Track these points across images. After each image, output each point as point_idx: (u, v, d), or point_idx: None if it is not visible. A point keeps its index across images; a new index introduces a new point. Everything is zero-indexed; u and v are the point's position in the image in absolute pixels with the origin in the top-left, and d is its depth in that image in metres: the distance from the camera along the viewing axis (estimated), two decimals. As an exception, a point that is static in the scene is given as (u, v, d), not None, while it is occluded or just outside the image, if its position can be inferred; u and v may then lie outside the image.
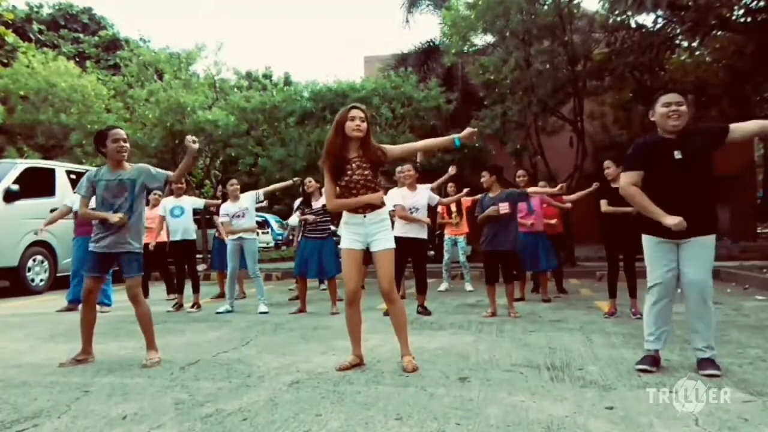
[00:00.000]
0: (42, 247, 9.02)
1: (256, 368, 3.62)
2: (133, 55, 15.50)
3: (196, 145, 3.83)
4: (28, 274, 8.81)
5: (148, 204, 7.37)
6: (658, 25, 10.62)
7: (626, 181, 3.40)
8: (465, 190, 6.64)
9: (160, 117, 13.49)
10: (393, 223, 5.39)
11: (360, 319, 3.66)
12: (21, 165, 9.35)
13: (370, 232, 3.52)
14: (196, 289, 6.88)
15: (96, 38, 25.21)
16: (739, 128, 3.21)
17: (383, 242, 3.52)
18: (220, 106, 14.41)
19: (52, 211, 9.11)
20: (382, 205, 3.56)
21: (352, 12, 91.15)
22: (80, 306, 4.03)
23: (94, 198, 3.95)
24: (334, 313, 6.03)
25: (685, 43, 11.55)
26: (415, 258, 6.08)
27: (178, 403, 2.89)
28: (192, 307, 6.72)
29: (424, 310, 5.90)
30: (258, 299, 6.56)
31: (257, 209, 7.33)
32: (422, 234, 6.06)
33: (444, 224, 8.40)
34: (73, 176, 9.68)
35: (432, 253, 10.97)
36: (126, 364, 3.83)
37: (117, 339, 4.84)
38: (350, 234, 3.56)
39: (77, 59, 20.68)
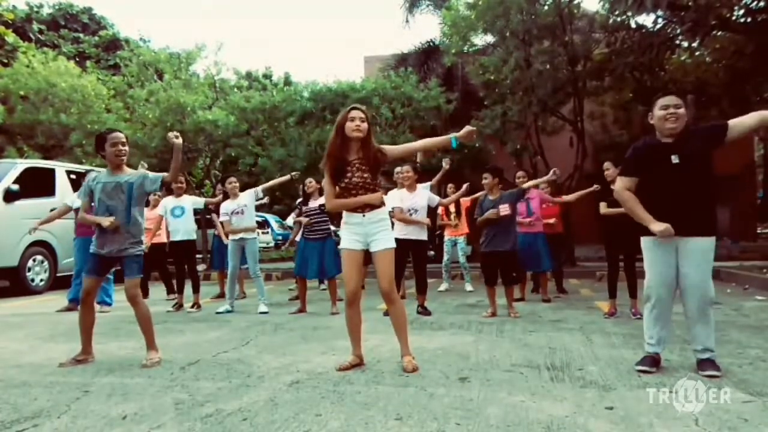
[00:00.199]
0: (42, 247, 9.02)
1: (256, 368, 3.62)
2: (133, 55, 15.50)
3: (179, 140, 3.83)
4: (28, 274, 8.81)
5: (148, 204, 7.38)
6: (658, 26, 10.63)
7: (620, 185, 3.46)
8: (465, 185, 6.57)
9: (160, 117, 13.49)
10: (393, 224, 5.39)
11: (360, 319, 3.66)
12: (21, 165, 9.35)
13: (370, 231, 3.52)
14: (196, 289, 6.88)
15: (96, 38, 25.20)
16: (739, 124, 3.18)
17: (383, 242, 3.52)
18: (220, 106, 14.41)
19: (52, 211, 9.17)
20: (381, 204, 3.56)
21: (352, 12, 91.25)
22: (79, 306, 4.03)
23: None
24: (334, 313, 6.03)
25: (685, 44, 11.55)
26: (415, 258, 6.08)
27: (178, 403, 2.89)
28: (192, 307, 6.72)
29: (424, 311, 5.90)
30: (258, 299, 6.56)
31: (257, 208, 7.32)
32: (422, 235, 6.05)
33: (444, 225, 8.40)
34: (73, 176, 9.66)
35: (432, 253, 10.97)
36: (126, 364, 3.83)
37: (117, 339, 4.84)
38: (350, 234, 3.56)
39: (77, 59, 20.68)
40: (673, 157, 3.24)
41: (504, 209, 5.58)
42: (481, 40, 13.33)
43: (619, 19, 10.61)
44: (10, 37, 15.99)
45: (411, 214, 5.97)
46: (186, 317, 6.23)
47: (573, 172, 11.53)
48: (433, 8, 16.06)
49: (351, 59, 78.97)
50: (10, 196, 8.64)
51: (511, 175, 6.93)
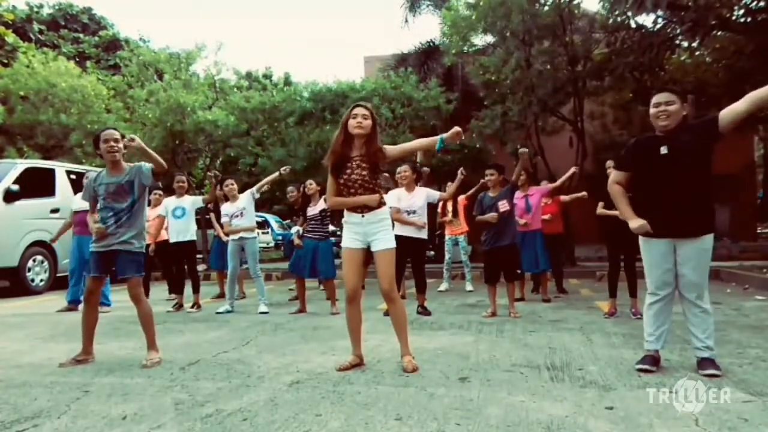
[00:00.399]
0: (42, 247, 9.02)
1: (256, 368, 3.62)
2: (133, 55, 15.51)
3: (135, 142, 3.75)
4: (28, 274, 8.81)
5: (149, 204, 7.38)
6: (658, 26, 10.62)
7: (611, 179, 3.53)
8: (459, 172, 5.95)
9: (160, 117, 13.50)
10: (393, 224, 5.38)
11: (360, 318, 3.66)
12: (21, 165, 9.35)
13: (369, 231, 3.53)
14: (196, 289, 6.88)
15: (96, 38, 25.20)
16: (730, 112, 3.12)
17: (383, 242, 3.52)
18: (220, 106, 14.42)
19: (52, 211, 9.18)
20: (380, 206, 3.56)
21: (352, 12, 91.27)
22: (80, 306, 4.03)
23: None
24: (334, 313, 6.04)
25: (685, 43, 11.54)
26: (414, 258, 6.08)
27: (178, 403, 2.89)
28: (192, 307, 6.72)
29: (424, 310, 5.90)
30: (258, 299, 6.56)
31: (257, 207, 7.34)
32: (421, 234, 6.05)
33: (444, 224, 8.40)
34: (73, 176, 9.67)
35: (432, 253, 10.97)
36: (126, 364, 3.83)
37: (117, 339, 4.84)
38: (350, 233, 3.57)
39: (77, 59, 20.68)
40: (662, 148, 3.23)
41: (503, 205, 5.66)
42: (481, 40, 13.35)
43: (619, 19, 10.60)
44: (10, 38, 15.99)
45: (408, 215, 5.97)
46: (186, 317, 6.23)
47: (573, 176, 11.53)
48: (433, 8, 16.06)
49: (351, 59, 79.07)
50: (10, 197, 8.63)
51: (510, 175, 6.93)
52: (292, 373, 3.47)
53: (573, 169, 6.99)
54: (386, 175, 6.27)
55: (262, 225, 19.81)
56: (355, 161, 3.49)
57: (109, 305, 6.90)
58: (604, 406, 2.69)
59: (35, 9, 26.19)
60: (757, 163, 20.60)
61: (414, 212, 6.00)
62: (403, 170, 6.07)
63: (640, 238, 3.39)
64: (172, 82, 14.01)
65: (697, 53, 12.23)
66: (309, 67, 70.44)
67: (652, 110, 3.30)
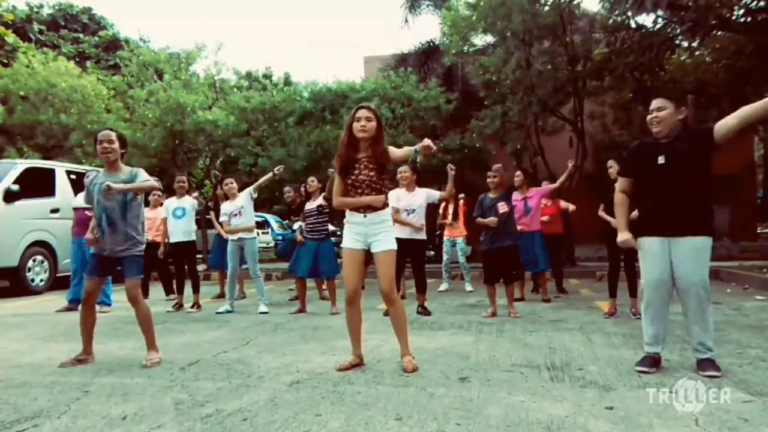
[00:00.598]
0: (42, 247, 9.02)
1: (256, 368, 3.62)
2: (133, 55, 15.50)
3: (111, 192, 3.69)
4: (28, 274, 8.80)
5: (147, 205, 7.39)
6: (658, 26, 10.62)
7: (618, 187, 3.59)
8: (448, 168, 5.62)
9: (160, 117, 13.49)
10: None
11: (360, 318, 3.66)
12: (21, 165, 9.34)
13: (370, 232, 3.53)
14: (196, 290, 6.88)
15: (96, 38, 25.20)
16: (723, 125, 3.13)
17: (384, 243, 3.52)
18: (220, 106, 14.42)
19: (52, 211, 9.18)
20: (383, 207, 3.57)
21: (352, 12, 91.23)
22: (80, 306, 4.03)
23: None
24: (334, 313, 6.03)
25: (685, 43, 11.55)
26: (414, 258, 6.08)
27: (178, 403, 2.89)
28: (192, 307, 6.72)
29: (424, 311, 5.90)
30: (258, 299, 6.56)
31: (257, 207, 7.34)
32: (420, 235, 6.05)
33: (443, 224, 8.41)
34: (73, 176, 9.67)
35: (432, 253, 10.97)
36: (126, 364, 3.83)
37: (117, 339, 4.84)
38: (351, 233, 3.58)
39: (77, 59, 20.69)
40: (659, 157, 3.26)
41: (502, 207, 5.68)
42: (481, 40, 13.35)
43: (619, 19, 10.61)
44: (10, 38, 16.00)
45: (408, 215, 5.97)
46: (186, 317, 6.23)
47: (573, 172, 11.53)
48: (433, 8, 16.06)
49: (351, 59, 79.07)
50: (10, 197, 8.63)
51: (510, 175, 6.96)
52: (292, 373, 3.47)
53: (570, 162, 6.88)
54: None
55: (262, 225, 19.78)
56: (362, 162, 3.51)
57: (110, 305, 6.91)
58: (604, 406, 2.69)
59: (35, 9, 26.20)
60: (757, 163, 20.60)
61: (413, 211, 5.99)
62: (403, 170, 6.07)
63: (639, 239, 3.40)
64: (172, 82, 14.01)
65: (697, 53, 12.24)
66: (309, 67, 70.49)
67: (648, 116, 3.34)
